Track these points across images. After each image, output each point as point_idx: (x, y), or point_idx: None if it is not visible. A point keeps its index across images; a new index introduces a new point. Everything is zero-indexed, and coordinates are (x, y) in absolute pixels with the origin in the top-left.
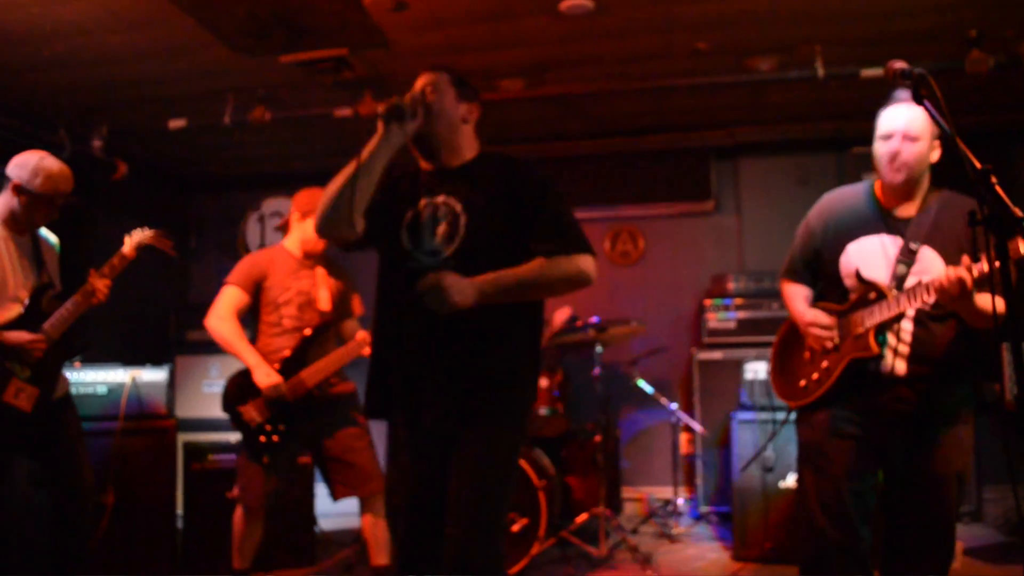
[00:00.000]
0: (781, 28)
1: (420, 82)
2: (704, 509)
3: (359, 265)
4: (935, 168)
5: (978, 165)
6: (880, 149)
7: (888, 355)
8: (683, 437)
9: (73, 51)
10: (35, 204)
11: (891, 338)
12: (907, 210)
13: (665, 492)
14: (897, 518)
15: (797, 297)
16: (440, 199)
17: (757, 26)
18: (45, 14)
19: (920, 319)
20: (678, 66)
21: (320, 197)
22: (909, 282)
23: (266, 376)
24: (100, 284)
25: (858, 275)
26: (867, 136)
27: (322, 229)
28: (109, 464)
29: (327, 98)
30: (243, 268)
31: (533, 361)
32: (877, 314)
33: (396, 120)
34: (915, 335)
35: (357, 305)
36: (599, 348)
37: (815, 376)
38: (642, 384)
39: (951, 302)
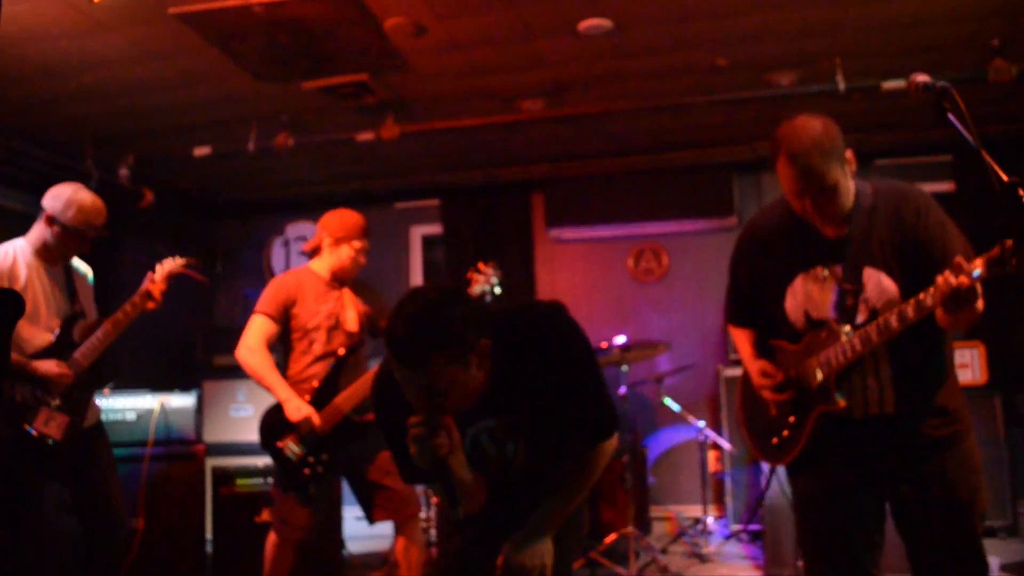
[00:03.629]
0: (800, 42)
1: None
2: (734, 527)
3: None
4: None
5: (1004, 178)
6: (799, 208)
7: (868, 400)
8: (711, 455)
9: (100, 82)
10: (66, 236)
11: (867, 380)
12: (839, 228)
13: (694, 511)
14: (917, 547)
15: (744, 343)
16: (485, 424)
17: (776, 41)
18: (73, 47)
19: (893, 349)
20: (698, 83)
21: (354, 221)
22: (860, 313)
23: (296, 410)
24: (156, 290)
25: (807, 316)
26: (891, 148)
27: None
28: (138, 490)
29: (349, 122)
30: (270, 295)
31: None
32: (833, 360)
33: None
34: (893, 368)
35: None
36: (624, 367)
37: (785, 433)
38: (669, 402)
39: (953, 308)
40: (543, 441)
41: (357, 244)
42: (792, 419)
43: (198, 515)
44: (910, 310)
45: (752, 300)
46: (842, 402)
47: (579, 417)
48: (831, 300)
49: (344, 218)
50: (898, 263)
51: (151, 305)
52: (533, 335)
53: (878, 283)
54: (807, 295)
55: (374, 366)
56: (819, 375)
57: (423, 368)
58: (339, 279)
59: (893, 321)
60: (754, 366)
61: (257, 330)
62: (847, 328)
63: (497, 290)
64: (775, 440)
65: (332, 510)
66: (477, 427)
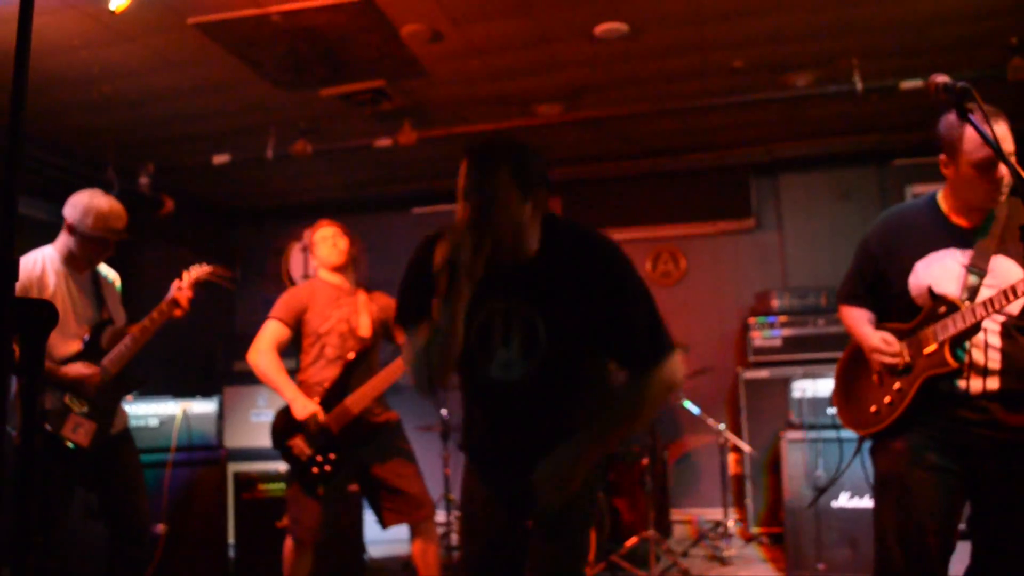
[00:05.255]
0: (817, 43)
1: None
2: (755, 530)
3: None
4: None
5: None
6: (978, 178)
7: (974, 373)
8: (731, 458)
9: (120, 92)
10: (88, 243)
11: (977, 354)
12: (974, 219)
13: (715, 514)
14: (988, 555)
15: (861, 320)
16: (512, 303)
17: (793, 42)
18: (92, 57)
19: (1007, 332)
20: (715, 85)
21: (322, 227)
22: (983, 293)
23: (303, 408)
24: (183, 297)
25: (930, 292)
26: (910, 148)
27: (425, 394)
28: (162, 495)
29: (367, 129)
30: (284, 302)
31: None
32: (951, 327)
33: (461, 271)
34: (1004, 350)
35: (400, 334)
36: None
37: (887, 399)
38: (688, 405)
39: None
40: (559, 352)
41: (321, 234)
42: (897, 385)
43: (220, 520)
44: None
45: (876, 279)
46: (954, 362)
47: (628, 334)
48: (957, 279)
49: (315, 227)
50: None
51: (178, 312)
52: (589, 241)
53: (1006, 269)
54: (934, 272)
55: (384, 369)
56: (939, 337)
57: (489, 172)
58: (339, 270)
59: (1020, 285)
60: (876, 335)
61: (269, 334)
62: (967, 303)
63: None
64: (874, 408)
65: (353, 514)
66: (496, 304)
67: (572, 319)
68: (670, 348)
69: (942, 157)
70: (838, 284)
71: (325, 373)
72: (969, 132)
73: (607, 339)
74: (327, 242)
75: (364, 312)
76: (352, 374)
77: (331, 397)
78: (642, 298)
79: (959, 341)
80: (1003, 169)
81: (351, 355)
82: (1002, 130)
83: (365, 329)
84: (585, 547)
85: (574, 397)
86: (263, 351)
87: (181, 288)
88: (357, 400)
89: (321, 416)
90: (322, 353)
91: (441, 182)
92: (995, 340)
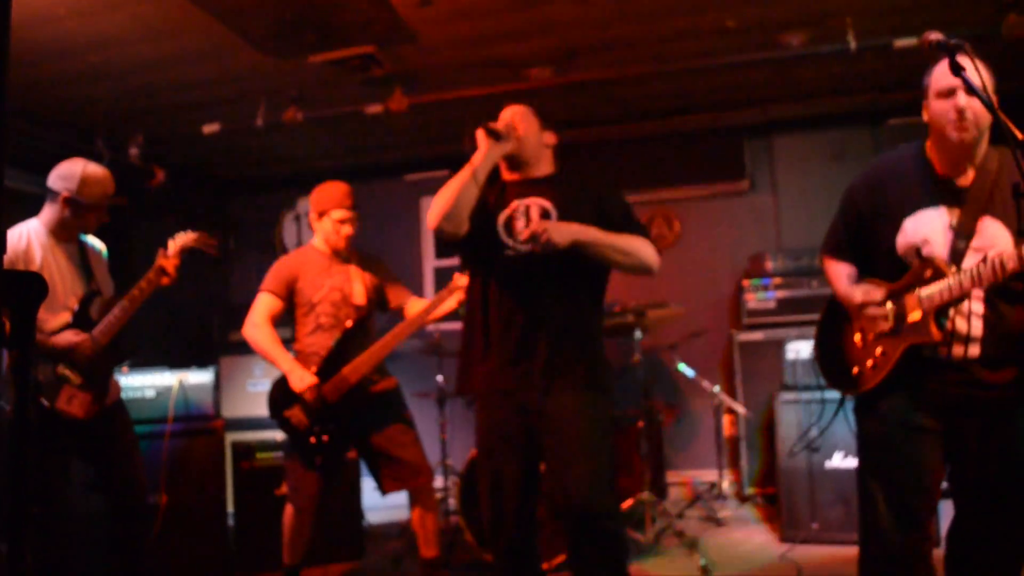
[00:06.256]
0: (810, 2)
1: (506, 112)
2: (750, 491)
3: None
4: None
5: (1020, 135)
6: (940, 107)
7: (956, 341)
8: (726, 419)
9: (107, 62)
10: (86, 212)
11: (960, 322)
12: (965, 177)
13: (710, 475)
14: (967, 510)
15: (842, 276)
16: (529, 200)
17: (786, 1)
18: (79, 28)
19: (990, 299)
20: (707, 46)
21: (332, 191)
22: (969, 258)
23: (300, 380)
24: (170, 265)
25: (918, 252)
26: (903, 107)
27: (441, 228)
28: (160, 466)
29: (358, 95)
30: (274, 273)
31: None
32: (936, 296)
33: (493, 139)
34: (986, 317)
35: (403, 293)
36: (638, 334)
37: (870, 363)
38: (683, 368)
39: None
40: (577, 222)
41: (337, 215)
42: (880, 350)
43: (219, 489)
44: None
45: (861, 232)
46: (938, 334)
47: (624, 222)
48: (944, 241)
49: (324, 191)
50: (1016, 218)
51: (166, 280)
52: (591, 171)
53: (993, 233)
54: (921, 232)
55: (382, 337)
56: (923, 306)
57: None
58: (337, 252)
59: (1009, 262)
60: (857, 289)
61: (261, 307)
62: (953, 269)
63: None
64: (856, 370)
65: (351, 481)
66: (521, 200)
67: (578, 209)
68: (651, 240)
69: (923, 103)
70: None
71: (321, 341)
72: (937, 67)
73: (614, 223)
74: (337, 225)
75: (357, 280)
76: (349, 343)
77: (328, 366)
78: (630, 206)
79: (944, 310)
80: (962, 97)
81: (349, 323)
82: (975, 78)
83: (359, 297)
84: (608, 472)
85: (573, 285)
86: (257, 324)
87: (167, 256)
88: (355, 369)
89: (321, 388)
90: (317, 322)
91: (433, 148)
92: (978, 307)
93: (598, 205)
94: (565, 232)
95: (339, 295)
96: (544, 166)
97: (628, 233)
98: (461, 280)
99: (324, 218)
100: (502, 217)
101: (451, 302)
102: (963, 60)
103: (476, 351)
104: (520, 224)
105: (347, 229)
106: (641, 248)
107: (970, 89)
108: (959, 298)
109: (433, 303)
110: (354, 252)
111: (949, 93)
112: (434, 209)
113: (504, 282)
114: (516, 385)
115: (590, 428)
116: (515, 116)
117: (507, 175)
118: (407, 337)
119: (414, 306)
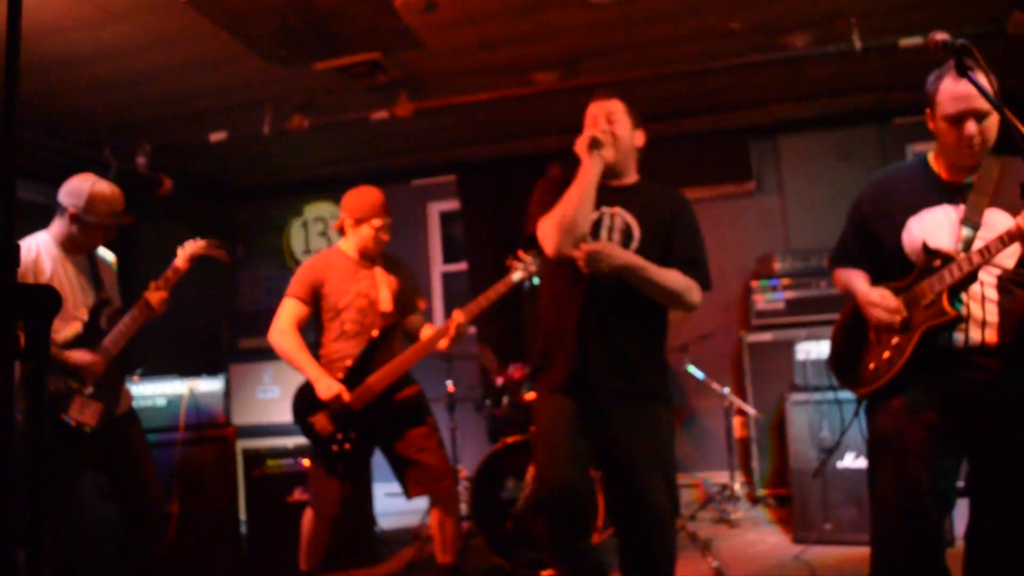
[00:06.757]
0: (814, 2)
1: (598, 110)
2: (761, 492)
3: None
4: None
5: None
6: (949, 134)
7: (972, 325)
8: (736, 421)
9: (113, 72)
10: (93, 230)
11: (975, 307)
12: (965, 176)
13: (721, 477)
14: (986, 512)
15: (855, 277)
16: (616, 211)
17: (790, 2)
18: (84, 38)
19: (1003, 285)
20: (712, 48)
21: (371, 198)
22: (978, 245)
23: (327, 388)
24: (156, 298)
25: (925, 247)
26: (909, 106)
27: (562, 249)
28: (172, 474)
29: (363, 102)
30: (299, 278)
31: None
32: (947, 277)
33: (597, 149)
34: (1000, 303)
35: (420, 302)
36: None
37: (886, 355)
38: (692, 370)
39: None
40: (643, 251)
41: (377, 222)
42: (895, 340)
43: (231, 497)
44: (1008, 235)
45: (869, 239)
46: (952, 310)
47: (687, 257)
48: (951, 233)
49: (362, 197)
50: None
51: (157, 309)
52: (673, 192)
53: (999, 221)
54: (927, 227)
55: (406, 351)
56: (935, 288)
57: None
58: (367, 257)
59: (1014, 228)
60: (873, 290)
61: (287, 312)
62: (963, 255)
63: (536, 280)
64: (872, 366)
65: (363, 487)
66: (606, 209)
67: (657, 229)
68: (706, 282)
69: (927, 111)
70: None
71: (347, 349)
72: (944, 86)
73: (677, 253)
74: (375, 233)
75: (384, 285)
76: (375, 351)
77: (354, 375)
78: (701, 238)
79: (956, 292)
80: (971, 127)
81: (375, 332)
82: (982, 79)
83: (386, 303)
84: (674, 479)
85: (643, 306)
86: (284, 330)
87: (177, 268)
88: (381, 378)
89: (346, 396)
90: (342, 328)
91: (439, 153)
92: (992, 293)
93: (670, 226)
94: (615, 261)
95: (365, 301)
96: (631, 171)
97: (682, 268)
98: (459, 317)
99: (363, 225)
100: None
101: (443, 342)
102: (970, 62)
103: (547, 353)
104: (604, 235)
105: (385, 236)
106: (685, 292)
107: (980, 92)
108: (970, 276)
109: (437, 335)
110: (381, 256)
111: (957, 120)
112: (552, 233)
113: (582, 287)
114: (578, 391)
115: (654, 439)
116: (611, 115)
117: None
118: (423, 357)
119: (424, 331)
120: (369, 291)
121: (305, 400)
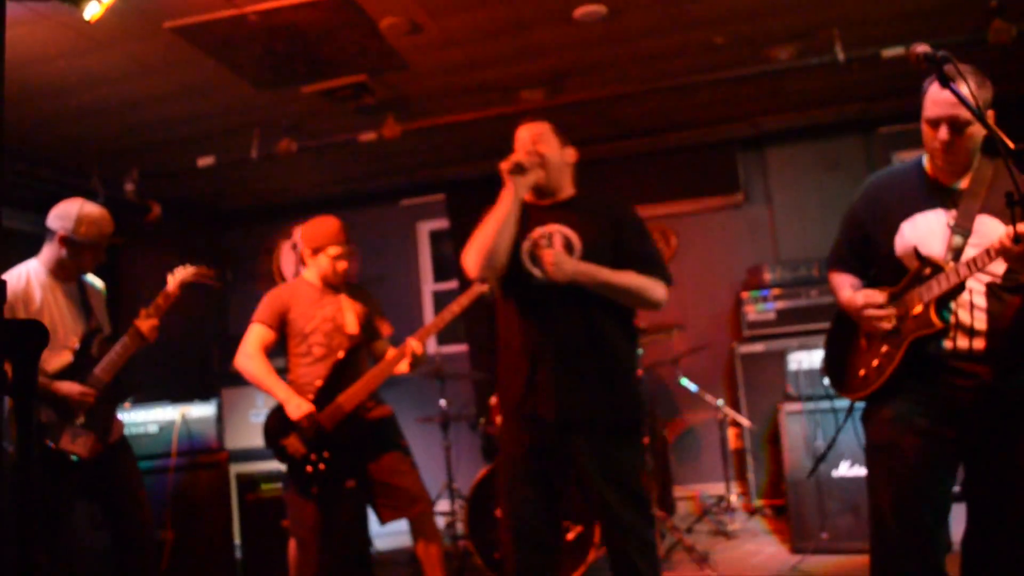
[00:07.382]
0: (797, 15)
1: (526, 134)
2: (758, 503)
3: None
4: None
5: (1011, 145)
6: (928, 133)
7: (960, 333)
8: (731, 432)
9: (100, 100)
10: (83, 252)
11: (963, 314)
12: (961, 182)
13: (717, 489)
14: (981, 518)
15: (844, 285)
16: (553, 228)
17: (773, 15)
18: (70, 66)
19: (993, 292)
20: (696, 63)
21: (325, 228)
22: (967, 253)
23: (296, 408)
24: (147, 326)
25: (916, 253)
26: (894, 115)
27: (483, 275)
28: (166, 501)
29: (351, 124)
30: (265, 304)
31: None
32: (935, 287)
33: (519, 174)
34: (990, 310)
35: (385, 327)
36: (639, 351)
37: (875, 363)
38: (685, 382)
39: (1019, 265)
40: (599, 252)
41: (333, 251)
42: (885, 348)
43: (225, 522)
44: (994, 250)
45: (862, 243)
46: (939, 322)
47: (639, 256)
48: (942, 239)
49: (317, 227)
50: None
51: (153, 315)
52: (611, 198)
53: (990, 228)
54: (920, 232)
55: (374, 367)
56: (924, 298)
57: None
58: (330, 285)
59: (1006, 242)
60: (859, 294)
61: (254, 337)
62: (952, 264)
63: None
64: (862, 372)
65: (355, 509)
66: (544, 227)
67: (599, 239)
68: (665, 276)
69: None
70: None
71: (315, 372)
72: (930, 90)
73: (620, 255)
74: (332, 262)
75: (349, 310)
76: (343, 372)
77: (323, 395)
78: (649, 237)
79: (944, 302)
80: (943, 132)
81: (341, 353)
82: (964, 90)
83: (352, 326)
84: (641, 493)
85: (597, 309)
86: (250, 355)
87: (168, 295)
88: (350, 397)
89: (317, 416)
90: (309, 352)
91: (428, 172)
92: (980, 300)
93: (617, 232)
94: (567, 270)
95: (331, 325)
96: (565, 188)
97: (638, 268)
98: (413, 343)
99: (320, 254)
100: (526, 245)
101: (403, 365)
102: (952, 72)
103: (505, 377)
104: (545, 253)
105: (343, 264)
106: (646, 288)
107: (961, 102)
108: (958, 287)
109: (397, 356)
110: (342, 283)
111: (935, 123)
112: (472, 258)
113: (529, 309)
114: (537, 411)
115: (609, 458)
116: (535, 138)
117: (528, 197)
118: (388, 377)
119: (388, 353)
120: (335, 315)
121: (276, 423)
